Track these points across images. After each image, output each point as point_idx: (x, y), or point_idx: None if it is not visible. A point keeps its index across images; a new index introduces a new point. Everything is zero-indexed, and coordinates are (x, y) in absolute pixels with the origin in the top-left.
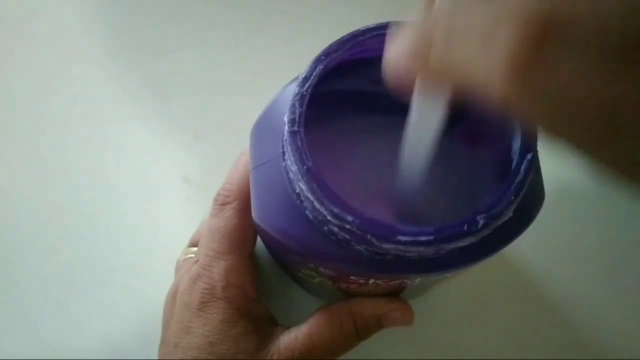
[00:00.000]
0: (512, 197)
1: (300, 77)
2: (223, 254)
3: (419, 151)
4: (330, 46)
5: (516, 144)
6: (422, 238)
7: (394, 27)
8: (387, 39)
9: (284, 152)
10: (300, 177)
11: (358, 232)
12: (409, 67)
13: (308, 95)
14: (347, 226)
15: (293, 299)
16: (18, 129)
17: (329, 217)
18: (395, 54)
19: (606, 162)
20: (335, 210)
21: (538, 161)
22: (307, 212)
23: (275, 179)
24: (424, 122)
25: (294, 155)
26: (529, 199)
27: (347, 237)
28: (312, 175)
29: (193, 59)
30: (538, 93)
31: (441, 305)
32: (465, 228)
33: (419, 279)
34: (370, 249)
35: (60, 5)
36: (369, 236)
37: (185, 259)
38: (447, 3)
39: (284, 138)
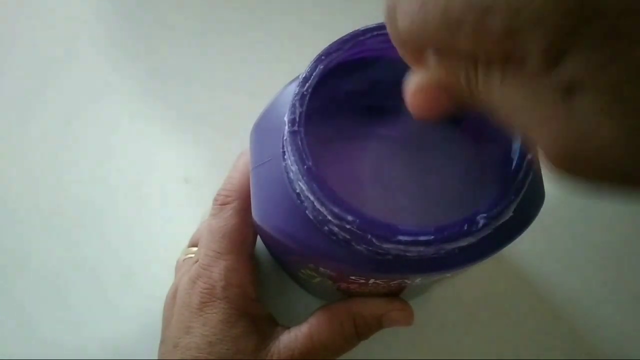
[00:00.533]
0: (512, 197)
1: (300, 77)
2: (223, 254)
3: None
4: (331, 46)
5: (516, 144)
6: (422, 238)
7: None
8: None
9: (284, 152)
10: (300, 177)
11: (358, 232)
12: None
13: (308, 95)
14: (348, 226)
15: (293, 299)
16: (18, 128)
17: (329, 217)
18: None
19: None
20: (336, 210)
21: (538, 161)
22: (307, 212)
23: (275, 179)
24: None
25: (294, 155)
26: (529, 199)
27: (348, 237)
28: (312, 175)
29: (193, 59)
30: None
31: (441, 305)
32: (465, 228)
33: (419, 279)
34: (370, 248)
35: (62, 4)
36: (369, 236)
37: (185, 259)
38: None
39: (284, 138)
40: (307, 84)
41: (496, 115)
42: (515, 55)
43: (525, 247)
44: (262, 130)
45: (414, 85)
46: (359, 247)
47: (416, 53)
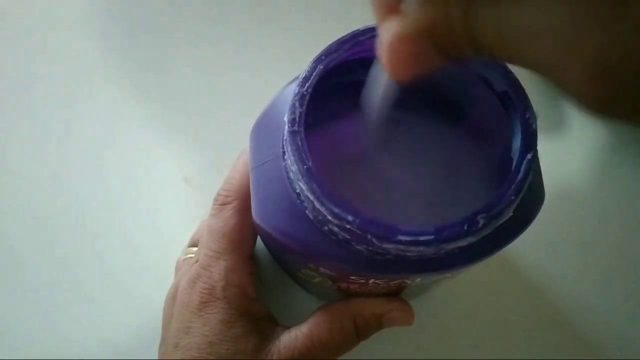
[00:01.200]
0: (512, 197)
1: (300, 77)
2: (223, 254)
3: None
4: (331, 46)
5: (516, 144)
6: (422, 238)
7: None
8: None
9: (284, 152)
10: (300, 176)
11: (358, 232)
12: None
13: (308, 95)
14: (348, 226)
15: (293, 299)
16: (18, 129)
17: (329, 217)
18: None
19: None
20: (336, 210)
21: (538, 161)
22: (307, 212)
23: (275, 179)
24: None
25: (294, 155)
26: (529, 199)
27: (347, 237)
28: (312, 175)
29: (193, 60)
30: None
31: (441, 305)
32: (466, 228)
33: (419, 279)
34: (370, 248)
35: (62, 7)
36: (369, 236)
37: (185, 259)
38: None
39: (284, 138)
40: (307, 84)
41: (501, 52)
42: None
43: (525, 247)
44: (262, 130)
45: (391, 35)
46: (358, 247)
47: None
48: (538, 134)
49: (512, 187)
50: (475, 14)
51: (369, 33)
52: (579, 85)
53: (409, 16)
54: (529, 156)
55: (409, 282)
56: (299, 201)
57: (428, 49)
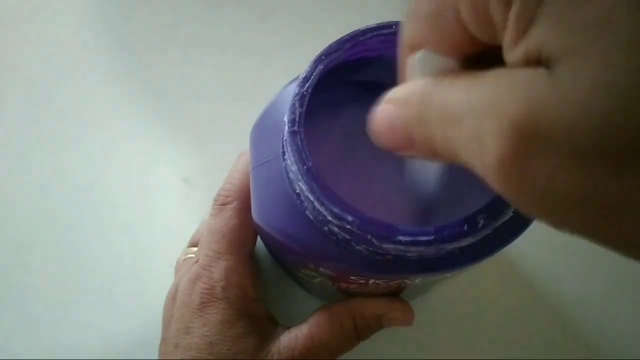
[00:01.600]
0: None
1: (300, 77)
2: (223, 254)
3: (426, 176)
4: (330, 46)
5: None
6: (422, 238)
7: (394, 27)
8: (388, 39)
9: (284, 152)
10: (300, 177)
11: (358, 232)
12: (395, 143)
13: (308, 95)
14: (347, 226)
15: (293, 299)
16: (18, 130)
17: (329, 217)
18: (380, 127)
19: (603, 243)
20: (336, 210)
21: None
22: (307, 212)
23: (275, 179)
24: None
25: (294, 155)
26: None
27: (347, 237)
28: (312, 175)
29: (193, 60)
30: (527, 188)
31: (441, 305)
32: (465, 228)
33: (419, 279)
34: (370, 249)
35: (61, 5)
36: (369, 236)
37: (185, 259)
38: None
39: (284, 138)
40: (307, 84)
41: (439, 146)
42: (496, 20)
43: (525, 247)
44: (262, 130)
45: (374, 114)
46: (358, 247)
47: (410, 53)
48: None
49: None
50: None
51: (369, 33)
52: (490, 177)
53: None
54: None
55: (408, 282)
56: (299, 201)
57: (396, 118)
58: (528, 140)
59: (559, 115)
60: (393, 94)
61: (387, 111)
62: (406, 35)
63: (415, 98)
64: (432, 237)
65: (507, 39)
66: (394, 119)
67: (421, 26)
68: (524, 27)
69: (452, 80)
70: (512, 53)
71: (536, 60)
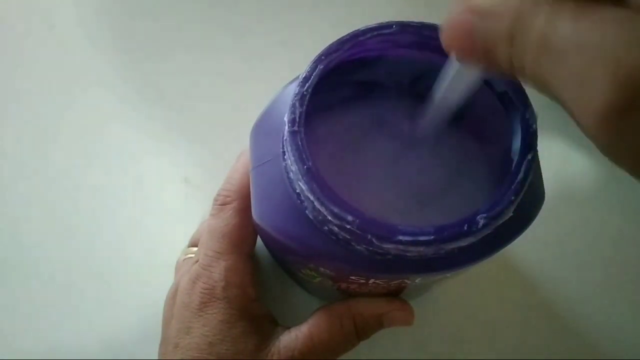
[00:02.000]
0: (512, 197)
1: (300, 77)
2: (223, 254)
3: (448, 102)
4: (331, 46)
5: (516, 144)
6: (423, 238)
7: (394, 27)
8: (388, 39)
9: (284, 152)
10: (300, 177)
11: (358, 232)
12: (466, 53)
13: (308, 95)
14: (348, 226)
15: (293, 299)
16: (19, 130)
17: (329, 217)
18: (452, 33)
19: None
20: (336, 210)
21: (538, 161)
22: (307, 212)
23: (275, 179)
24: (459, 80)
25: (294, 155)
26: (529, 199)
27: (348, 237)
28: (312, 175)
29: (193, 60)
30: (630, 142)
31: (441, 305)
32: (466, 228)
33: (419, 279)
34: (370, 249)
35: (61, 7)
36: (369, 236)
37: (185, 259)
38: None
39: (284, 138)
40: (307, 84)
41: (536, 65)
42: None
43: (525, 247)
44: (262, 130)
45: (450, 18)
46: (359, 247)
47: None
48: (538, 134)
49: (512, 187)
50: (537, 24)
51: (369, 33)
52: (589, 122)
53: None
54: (529, 156)
55: (409, 282)
56: (299, 201)
57: (474, 30)
58: (637, 95)
59: None
60: (476, 1)
61: (465, 20)
62: None
63: (509, 13)
64: (432, 237)
65: None
66: (474, 30)
67: None
68: None
69: (556, 6)
70: None
71: None
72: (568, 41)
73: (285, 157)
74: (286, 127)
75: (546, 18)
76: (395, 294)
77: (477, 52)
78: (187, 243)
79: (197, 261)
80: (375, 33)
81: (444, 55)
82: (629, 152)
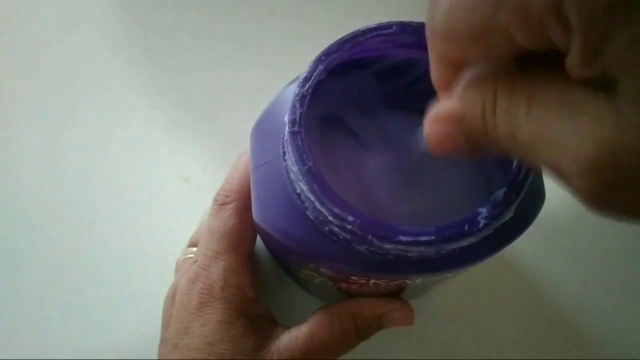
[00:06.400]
0: (512, 197)
1: (300, 77)
2: (222, 254)
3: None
4: (331, 46)
5: None
6: (423, 238)
7: (394, 27)
8: (388, 39)
9: (284, 153)
10: (301, 177)
11: (359, 232)
12: (457, 154)
13: (309, 96)
14: (348, 226)
15: (293, 299)
16: (19, 128)
17: (330, 218)
18: (438, 143)
19: None
20: (336, 210)
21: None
22: (307, 212)
23: (275, 179)
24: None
25: (294, 156)
26: (529, 199)
27: (348, 237)
28: (313, 176)
29: (193, 60)
30: (614, 209)
31: (441, 305)
32: (466, 228)
33: (420, 279)
34: (371, 249)
35: (69, 3)
36: (370, 236)
37: (184, 259)
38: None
39: (285, 138)
40: (308, 84)
41: (515, 152)
42: (555, 40)
43: (525, 247)
44: (263, 130)
45: (432, 114)
46: (359, 248)
47: (448, 66)
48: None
49: (512, 187)
50: (493, 115)
51: (369, 33)
52: (572, 179)
53: (448, 101)
54: None
55: (409, 282)
56: (299, 201)
57: (457, 134)
58: (609, 179)
59: (635, 150)
60: (444, 111)
61: (444, 130)
62: (442, 52)
63: (477, 112)
64: (433, 237)
65: (574, 58)
66: (455, 135)
67: (461, 44)
68: (597, 49)
69: (511, 99)
70: (580, 70)
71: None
72: (532, 136)
73: (286, 157)
74: (287, 128)
75: (505, 115)
76: (395, 294)
77: (465, 151)
78: (186, 243)
79: (196, 261)
80: (375, 33)
81: None
82: (618, 214)
